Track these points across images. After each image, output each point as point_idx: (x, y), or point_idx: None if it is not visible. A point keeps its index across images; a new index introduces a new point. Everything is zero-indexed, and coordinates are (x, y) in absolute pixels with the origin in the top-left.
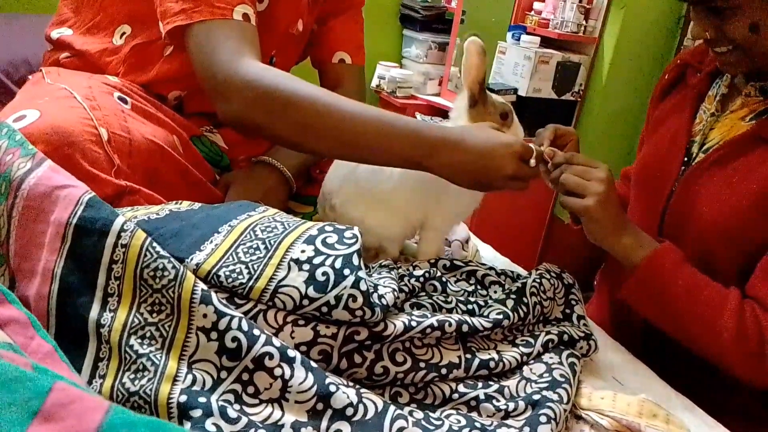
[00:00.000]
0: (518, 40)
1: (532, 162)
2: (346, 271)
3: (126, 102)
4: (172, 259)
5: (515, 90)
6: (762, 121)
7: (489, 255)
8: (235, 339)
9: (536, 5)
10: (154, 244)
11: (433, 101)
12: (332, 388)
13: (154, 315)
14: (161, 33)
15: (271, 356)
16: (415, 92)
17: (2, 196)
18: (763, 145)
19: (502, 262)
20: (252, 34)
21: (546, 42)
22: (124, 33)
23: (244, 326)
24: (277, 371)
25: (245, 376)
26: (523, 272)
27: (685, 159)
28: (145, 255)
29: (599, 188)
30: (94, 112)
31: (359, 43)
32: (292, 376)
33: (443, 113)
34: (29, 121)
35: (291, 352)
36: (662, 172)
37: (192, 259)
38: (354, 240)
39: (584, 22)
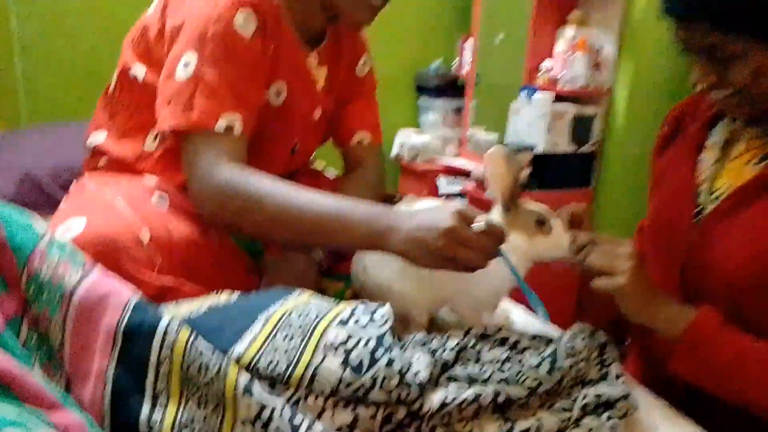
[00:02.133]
0: (531, 98)
1: (476, 226)
2: (380, 352)
3: (164, 201)
4: (214, 354)
5: (532, 148)
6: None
7: (521, 318)
8: (278, 429)
9: (545, 63)
10: (198, 340)
11: (452, 164)
12: None
13: (201, 409)
14: None
15: None
16: (435, 156)
17: (57, 306)
18: None
19: (534, 324)
20: (233, 142)
21: (558, 97)
22: (156, 137)
23: (285, 415)
24: None
25: None
26: (556, 333)
27: (696, 210)
28: (190, 352)
29: (627, 265)
30: (134, 215)
31: (376, 122)
32: None
33: (464, 174)
34: (76, 231)
35: None
36: (674, 225)
37: (233, 351)
38: (385, 320)
39: (594, 76)
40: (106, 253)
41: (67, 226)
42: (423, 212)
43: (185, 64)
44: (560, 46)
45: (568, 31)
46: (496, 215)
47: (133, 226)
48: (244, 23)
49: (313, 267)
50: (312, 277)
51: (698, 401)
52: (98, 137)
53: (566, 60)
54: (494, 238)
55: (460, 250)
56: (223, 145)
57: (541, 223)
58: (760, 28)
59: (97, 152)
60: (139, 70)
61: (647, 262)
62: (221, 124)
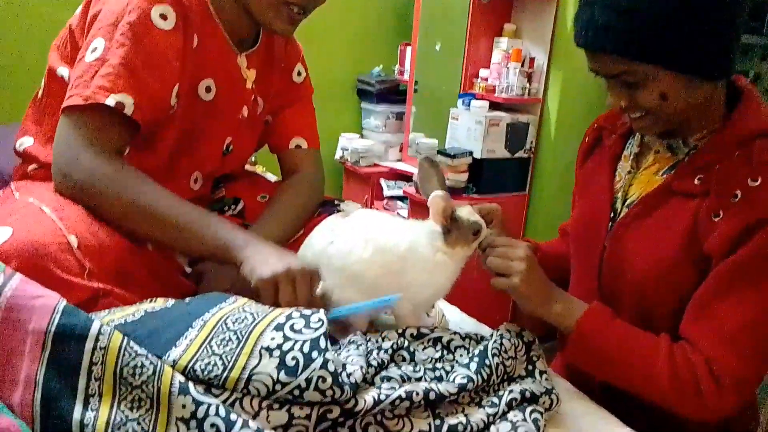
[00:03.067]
0: (468, 106)
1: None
2: (314, 354)
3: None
4: (149, 356)
5: (471, 153)
6: (670, 176)
7: (456, 318)
8: (213, 425)
9: (482, 72)
10: (132, 343)
11: (395, 167)
12: None
13: (135, 411)
14: None
15: None
16: (377, 160)
17: None
18: (674, 196)
19: (468, 323)
20: (114, 127)
21: (495, 105)
22: None
23: (222, 412)
24: None
25: None
26: (488, 332)
27: (612, 215)
28: (124, 355)
29: (521, 266)
30: (62, 221)
31: (313, 128)
32: None
33: (406, 178)
34: (2, 239)
35: None
36: (593, 229)
37: (169, 356)
38: (320, 324)
39: (528, 85)
40: (34, 261)
41: None
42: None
43: (93, 48)
44: (496, 56)
45: (503, 42)
46: (435, 235)
47: (61, 233)
48: (162, 17)
49: None
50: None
51: (613, 395)
52: (26, 142)
53: (501, 70)
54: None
55: (284, 293)
56: (101, 132)
57: (477, 233)
58: (662, 56)
59: (26, 158)
60: (65, 72)
61: (572, 262)
62: (111, 100)
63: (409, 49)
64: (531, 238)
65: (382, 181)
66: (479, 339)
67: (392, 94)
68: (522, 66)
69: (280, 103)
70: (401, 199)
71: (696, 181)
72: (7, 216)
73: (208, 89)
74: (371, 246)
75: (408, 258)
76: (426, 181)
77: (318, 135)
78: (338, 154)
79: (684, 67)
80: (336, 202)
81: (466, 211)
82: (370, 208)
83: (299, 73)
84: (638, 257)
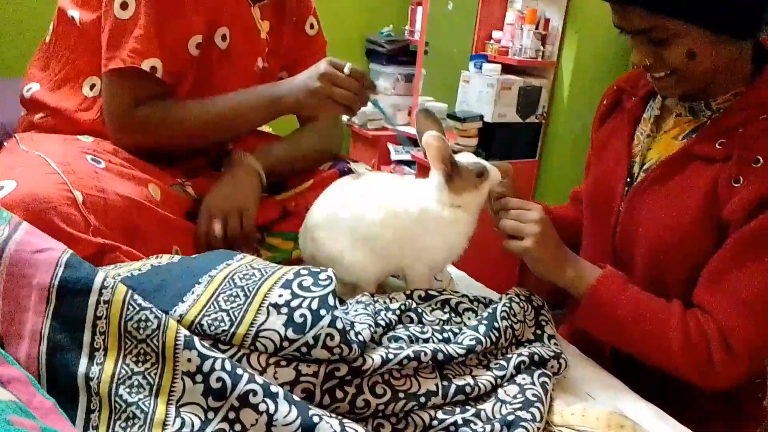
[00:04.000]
0: (480, 68)
1: (346, 71)
2: (323, 312)
3: (99, 162)
4: (154, 310)
5: (481, 116)
6: (691, 140)
7: (464, 282)
8: (219, 379)
9: (495, 34)
10: (136, 296)
11: (403, 131)
12: (316, 419)
13: (140, 364)
14: None
15: (255, 393)
16: (385, 123)
17: None
18: (694, 161)
19: (476, 288)
20: (154, 84)
21: (507, 68)
22: (93, 85)
23: (227, 366)
24: (262, 407)
25: (231, 415)
26: (496, 297)
27: (628, 180)
28: (128, 308)
29: (535, 229)
30: (68, 176)
31: None
32: (276, 410)
33: (415, 142)
34: (7, 191)
35: (274, 388)
36: (608, 193)
37: (175, 311)
38: (329, 281)
39: (542, 48)
40: (39, 213)
41: None
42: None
43: (122, 3)
44: (509, 17)
45: (517, 3)
46: (438, 184)
47: (67, 188)
48: None
49: (252, 176)
50: (252, 185)
51: (623, 361)
52: (33, 88)
53: (515, 32)
54: (360, 78)
55: (335, 89)
56: (143, 86)
57: (481, 174)
58: (693, 11)
59: (33, 106)
60: (76, 14)
61: (585, 226)
62: (146, 65)
63: (420, 8)
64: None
65: (390, 146)
66: (488, 302)
67: (402, 55)
68: (536, 28)
69: (294, 56)
70: (409, 164)
71: (717, 146)
72: (12, 168)
73: (224, 37)
74: (384, 210)
75: (421, 221)
76: (434, 156)
77: None
78: (345, 117)
79: (714, 23)
80: (348, 161)
81: (466, 155)
82: (378, 171)
83: (312, 26)
84: (655, 222)
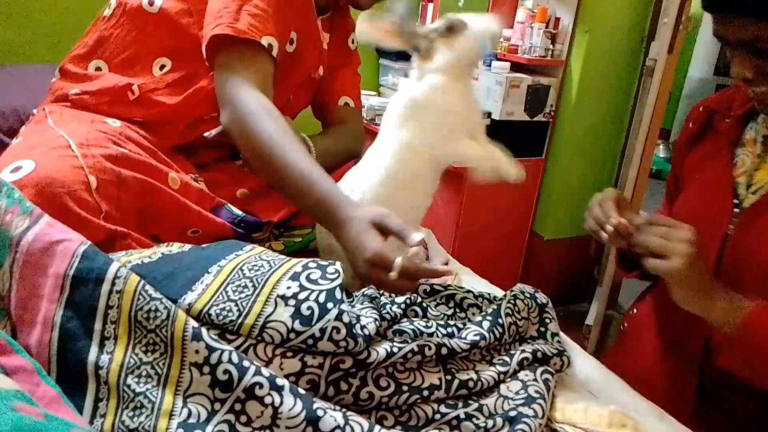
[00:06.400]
0: (489, 66)
1: (393, 275)
2: (330, 305)
3: (121, 148)
4: (164, 300)
5: (489, 114)
6: None
7: (469, 278)
8: (226, 372)
9: (505, 32)
10: (147, 287)
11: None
12: (320, 413)
13: (149, 354)
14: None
15: (261, 385)
16: None
17: (6, 253)
18: None
19: (480, 284)
20: (267, 65)
21: (516, 67)
22: (163, 66)
23: (234, 359)
24: (267, 399)
25: (237, 406)
26: (500, 293)
27: (735, 202)
28: (139, 298)
29: (686, 249)
30: (85, 159)
31: (359, 92)
32: (281, 403)
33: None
34: (25, 172)
35: (280, 381)
36: (711, 218)
37: (184, 300)
38: (336, 275)
39: (551, 47)
40: (52, 196)
41: (16, 167)
42: (360, 231)
43: None
44: (520, 15)
45: (528, 1)
46: (415, 69)
47: (83, 172)
48: None
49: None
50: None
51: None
52: (97, 63)
53: (525, 30)
54: (410, 277)
55: (384, 283)
56: (256, 66)
57: (451, 28)
58: None
59: (73, 77)
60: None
61: None
62: (265, 41)
63: (431, 5)
64: (546, 205)
65: None
66: (492, 298)
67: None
68: (546, 27)
69: (333, 63)
70: None
71: None
72: (33, 148)
73: (291, 41)
74: (386, 156)
75: (417, 108)
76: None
77: (361, 100)
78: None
79: None
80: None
81: (433, 24)
82: None
83: (353, 41)
84: None
